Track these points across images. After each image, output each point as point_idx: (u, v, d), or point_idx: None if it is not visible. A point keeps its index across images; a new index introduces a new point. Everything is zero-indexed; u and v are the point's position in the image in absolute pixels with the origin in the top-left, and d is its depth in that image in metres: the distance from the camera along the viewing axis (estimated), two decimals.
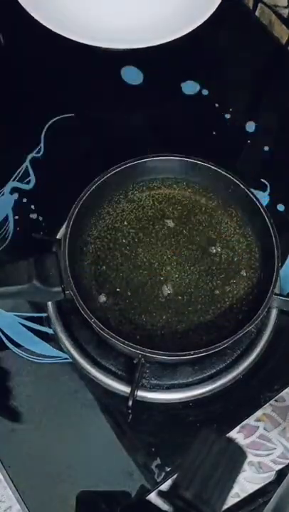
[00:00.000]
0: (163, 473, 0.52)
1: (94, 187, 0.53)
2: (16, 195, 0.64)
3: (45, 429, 0.54)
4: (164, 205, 0.57)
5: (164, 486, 0.52)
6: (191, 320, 0.52)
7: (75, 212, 0.52)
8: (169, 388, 0.54)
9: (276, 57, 0.77)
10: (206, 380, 0.55)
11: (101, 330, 0.48)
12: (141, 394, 0.53)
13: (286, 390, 0.56)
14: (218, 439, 0.33)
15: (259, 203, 0.54)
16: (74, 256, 0.52)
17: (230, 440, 0.34)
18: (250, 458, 0.53)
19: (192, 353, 0.48)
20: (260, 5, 0.79)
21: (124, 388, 0.54)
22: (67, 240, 0.50)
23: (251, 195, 0.55)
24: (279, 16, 0.77)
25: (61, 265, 0.50)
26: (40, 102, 0.70)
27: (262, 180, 0.67)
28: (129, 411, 0.52)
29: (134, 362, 0.52)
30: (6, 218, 0.63)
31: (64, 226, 0.60)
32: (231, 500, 0.51)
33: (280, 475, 0.51)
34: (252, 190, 0.55)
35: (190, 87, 0.72)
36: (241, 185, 0.55)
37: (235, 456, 0.33)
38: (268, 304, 0.50)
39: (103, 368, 0.55)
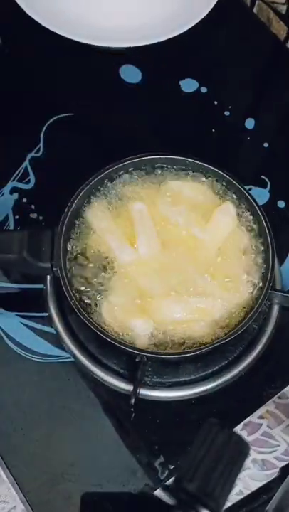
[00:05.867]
0: (166, 471, 0.52)
1: (102, 175, 0.54)
2: (15, 195, 0.64)
3: (48, 429, 0.54)
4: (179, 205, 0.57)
5: (168, 482, 0.52)
6: None
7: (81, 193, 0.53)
8: (172, 386, 0.54)
9: (274, 54, 0.77)
10: (209, 378, 0.54)
11: (81, 316, 0.48)
12: (143, 392, 0.53)
13: None
14: (220, 431, 0.33)
15: (254, 201, 0.54)
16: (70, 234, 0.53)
17: (233, 432, 0.34)
18: (253, 455, 0.53)
19: (192, 350, 0.48)
20: (257, 2, 0.79)
21: (126, 386, 0.54)
22: (67, 218, 0.51)
23: (246, 193, 0.54)
24: (277, 12, 0.77)
25: (55, 241, 0.50)
26: (39, 101, 0.70)
27: (262, 176, 0.67)
28: (132, 409, 0.52)
29: (136, 360, 0.52)
30: (7, 218, 0.63)
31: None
32: (235, 498, 0.51)
33: (284, 472, 0.51)
34: (245, 187, 0.55)
35: (189, 85, 0.72)
36: (235, 183, 0.55)
37: (239, 448, 0.33)
38: (264, 300, 0.49)
39: (105, 366, 0.55)
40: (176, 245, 0.53)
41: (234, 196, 0.55)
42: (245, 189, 0.54)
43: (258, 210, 0.53)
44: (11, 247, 0.50)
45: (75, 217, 0.53)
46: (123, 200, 0.55)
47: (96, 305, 0.51)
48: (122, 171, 0.56)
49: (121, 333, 0.50)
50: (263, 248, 0.53)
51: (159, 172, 0.57)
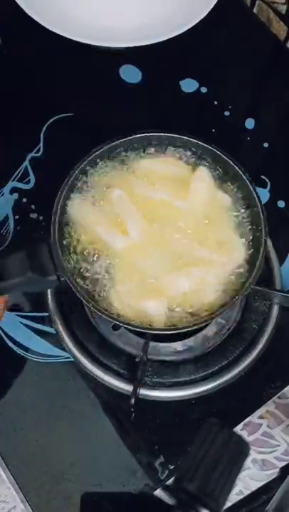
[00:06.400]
0: (166, 471, 0.52)
1: (80, 167, 0.53)
2: (16, 195, 0.64)
3: (48, 429, 0.54)
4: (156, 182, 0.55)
5: (168, 482, 0.52)
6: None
7: (62, 195, 0.51)
8: (172, 386, 0.54)
9: (274, 54, 0.77)
10: (209, 378, 0.55)
11: (99, 311, 0.47)
12: (143, 392, 0.53)
13: None
14: (220, 431, 0.33)
15: (226, 156, 0.53)
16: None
17: (233, 432, 0.34)
18: (253, 455, 0.53)
19: (177, 327, 0.47)
20: (257, 2, 0.79)
21: (126, 387, 0.54)
22: (56, 226, 0.49)
23: (216, 151, 0.53)
24: (277, 12, 0.77)
25: (53, 253, 0.49)
26: (39, 101, 0.70)
27: (262, 176, 0.67)
28: (132, 409, 0.52)
29: (136, 360, 0.52)
30: (7, 218, 0.63)
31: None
32: (235, 498, 0.51)
33: (284, 472, 0.51)
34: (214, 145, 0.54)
35: (189, 85, 0.72)
36: (202, 143, 0.53)
37: (239, 448, 0.33)
38: (263, 255, 0.48)
39: (105, 366, 0.55)
40: (164, 222, 0.52)
41: (207, 159, 0.54)
42: (214, 147, 0.53)
43: (234, 165, 0.52)
44: (14, 270, 0.48)
45: (63, 222, 0.51)
46: (101, 191, 0.53)
47: (107, 299, 0.50)
48: (91, 164, 0.54)
49: (137, 320, 0.48)
50: (248, 205, 0.52)
51: (128, 156, 0.55)
